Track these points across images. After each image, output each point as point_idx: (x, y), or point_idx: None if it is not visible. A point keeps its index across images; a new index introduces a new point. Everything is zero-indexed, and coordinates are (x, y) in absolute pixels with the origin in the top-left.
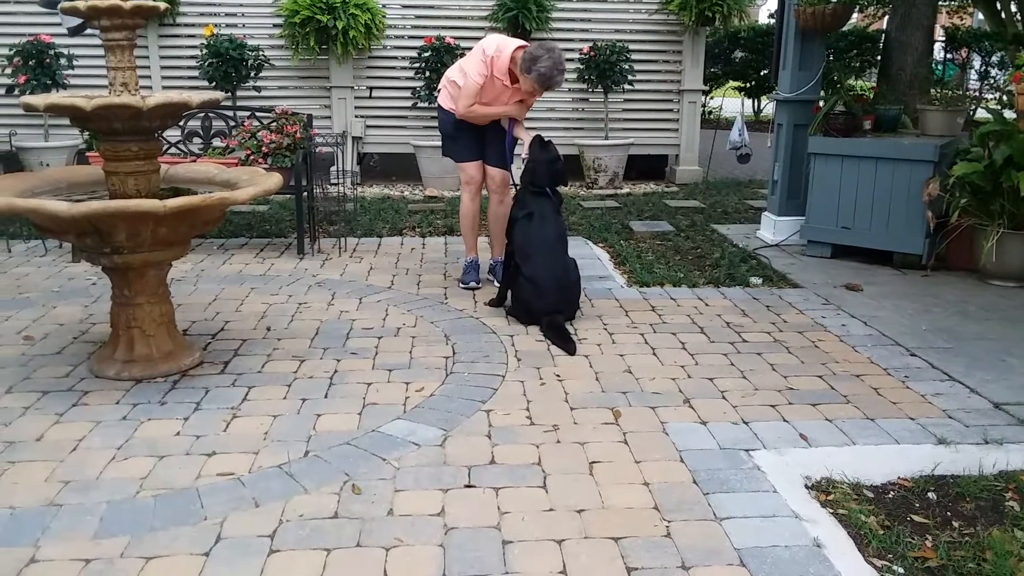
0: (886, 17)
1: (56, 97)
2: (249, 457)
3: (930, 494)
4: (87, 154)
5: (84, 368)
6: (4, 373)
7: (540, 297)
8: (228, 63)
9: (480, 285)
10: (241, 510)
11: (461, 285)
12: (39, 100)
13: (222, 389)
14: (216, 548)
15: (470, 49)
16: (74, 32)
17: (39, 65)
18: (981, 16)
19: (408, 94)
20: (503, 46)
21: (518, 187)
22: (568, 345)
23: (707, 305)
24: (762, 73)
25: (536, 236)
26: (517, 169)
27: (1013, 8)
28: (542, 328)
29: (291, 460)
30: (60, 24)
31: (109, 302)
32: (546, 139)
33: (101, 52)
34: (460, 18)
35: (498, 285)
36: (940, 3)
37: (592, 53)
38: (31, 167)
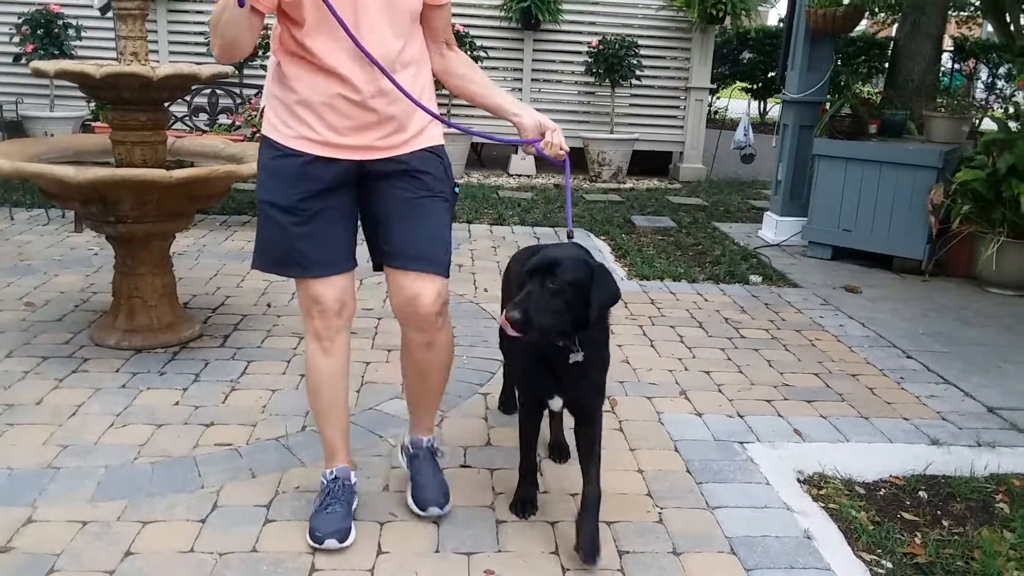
0: (895, 24)
1: (67, 63)
2: (247, 429)
3: (921, 493)
4: (92, 124)
5: (85, 336)
6: (5, 338)
7: None
8: None
9: (347, 543)
10: (238, 480)
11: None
12: (50, 66)
13: (221, 362)
14: (212, 516)
15: (482, 38)
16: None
17: (47, 35)
18: (990, 28)
19: None
20: None
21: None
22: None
23: (706, 300)
24: (769, 75)
25: None
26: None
27: (1023, 21)
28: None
29: (289, 434)
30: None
31: (110, 272)
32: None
33: (109, 24)
34: (471, 5)
35: (415, 510)
36: (950, 13)
37: (601, 47)
38: (36, 136)
